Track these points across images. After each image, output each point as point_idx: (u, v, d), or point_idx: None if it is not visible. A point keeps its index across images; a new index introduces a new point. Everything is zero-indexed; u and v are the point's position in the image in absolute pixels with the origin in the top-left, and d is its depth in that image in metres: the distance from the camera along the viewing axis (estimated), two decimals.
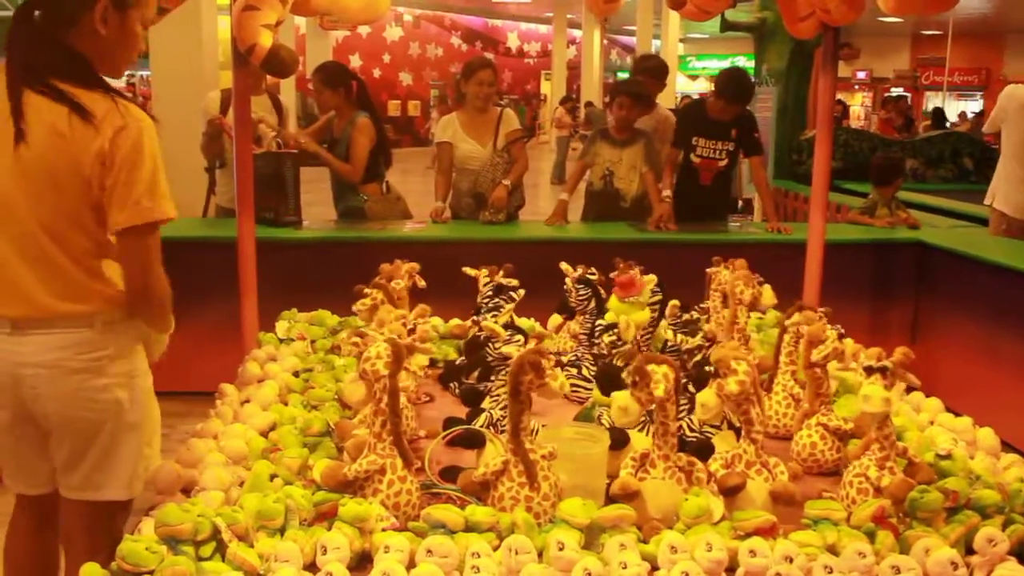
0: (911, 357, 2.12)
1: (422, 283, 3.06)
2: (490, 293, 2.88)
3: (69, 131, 1.95)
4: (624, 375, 2.07)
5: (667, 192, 5.07)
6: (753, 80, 5.39)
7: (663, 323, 2.91)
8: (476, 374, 2.77)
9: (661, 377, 1.98)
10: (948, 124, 15.78)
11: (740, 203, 9.53)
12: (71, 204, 2.00)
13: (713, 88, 5.19)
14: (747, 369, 2.02)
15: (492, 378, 2.61)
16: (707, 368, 2.39)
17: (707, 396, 2.04)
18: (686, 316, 2.71)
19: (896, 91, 23.71)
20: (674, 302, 2.76)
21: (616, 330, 2.55)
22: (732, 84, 5.07)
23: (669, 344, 2.61)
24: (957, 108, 22.56)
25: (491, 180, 4.99)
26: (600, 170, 5.17)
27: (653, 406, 2.01)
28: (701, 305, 2.83)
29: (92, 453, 2.12)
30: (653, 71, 5.41)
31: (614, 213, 5.16)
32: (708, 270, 3.14)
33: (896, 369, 2.08)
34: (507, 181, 4.96)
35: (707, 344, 2.53)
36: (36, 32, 2.00)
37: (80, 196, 1.99)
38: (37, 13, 2.00)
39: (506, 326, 2.66)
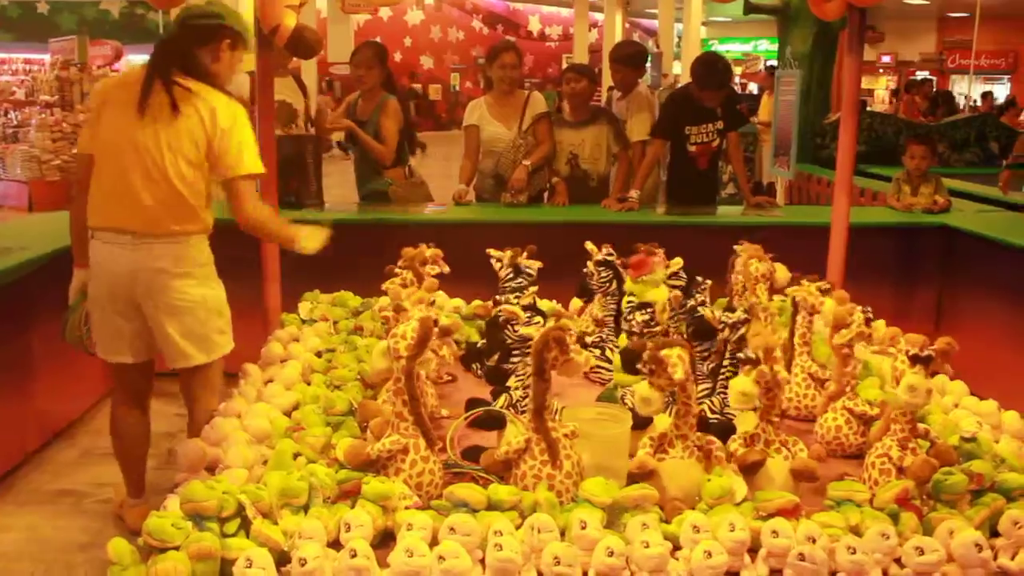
0: (955, 348, 2.08)
1: (446, 268, 3.06)
2: (510, 275, 2.88)
3: None
4: (639, 366, 2.05)
5: (634, 193, 4.94)
6: (727, 60, 5.25)
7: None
8: (496, 357, 2.78)
9: (677, 359, 1.96)
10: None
11: (764, 186, 9.49)
12: None
13: (692, 80, 5.07)
14: (780, 356, 2.02)
15: (511, 360, 2.61)
16: (740, 353, 2.36)
17: (746, 384, 2.01)
18: (690, 303, 2.68)
19: (921, 75, 23.37)
20: (676, 293, 2.72)
21: (651, 309, 2.53)
22: (710, 73, 4.94)
23: (697, 314, 2.56)
24: (982, 91, 22.22)
25: (512, 161, 4.98)
26: (564, 155, 5.14)
27: (675, 389, 2.01)
28: (702, 287, 2.78)
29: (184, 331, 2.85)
30: (626, 59, 5.35)
31: (583, 195, 5.13)
32: (736, 247, 3.12)
33: (939, 359, 2.06)
34: (527, 162, 4.95)
35: (746, 319, 2.48)
36: None
37: None
38: None
39: (526, 308, 2.65)
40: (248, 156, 2.88)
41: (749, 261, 2.86)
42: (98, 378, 4.23)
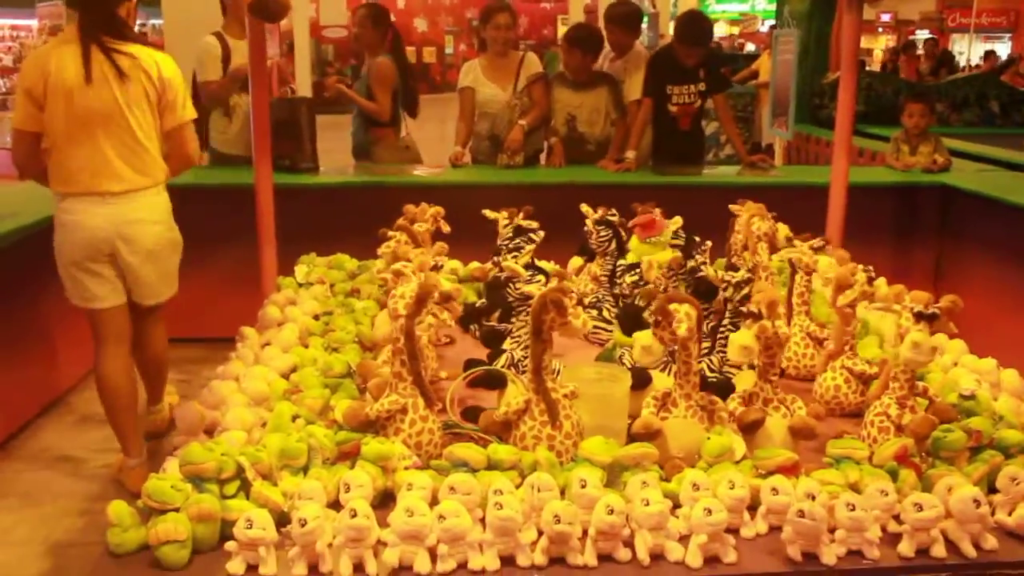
0: (960, 306, 2.06)
1: (446, 228, 3.04)
2: (510, 235, 2.86)
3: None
4: (647, 315, 2.05)
5: (631, 153, 4.96)
6: (711, 19, 5.37)
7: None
8: (497, 315, 2.77)
9: (684, 316, 1.96)
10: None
11: (763, 147, 9.44)
12: None
13: (674, 36, 5.17)
14: (784, 312, 2.01)
15: (513, 319, 2.60)
16: (744, 307, 2.35)
17: (747, 338, 2.00)
18: (691, 263, 2.67)
19: (921, 34, 23.13)
20: (676, 254, 2.71)
21: (638, 270, 2.52)
22: (691, 28, 5.06)
23: (699, 274, 2.55)
24: (986, 50, 22.01)
25: (508, 122, 4.95)
26: (562, 115, 5.12)
27: (676, 346, 2.00)
28: (702, 248, 2.77)
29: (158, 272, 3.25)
30: (619, 20, 5.29)
31: (580, 157, 5.13)
32: (732, 206, 3.10)
33: (944, 317, 2.05)
34: (523, 122, 4.92)
35: (749, 278, 2.46)
36: None
37: None
38: None
39: (527, 266, 2.64)
40: (188, 102, 3.24)
41: (751, 219, 2.84)
42: None
